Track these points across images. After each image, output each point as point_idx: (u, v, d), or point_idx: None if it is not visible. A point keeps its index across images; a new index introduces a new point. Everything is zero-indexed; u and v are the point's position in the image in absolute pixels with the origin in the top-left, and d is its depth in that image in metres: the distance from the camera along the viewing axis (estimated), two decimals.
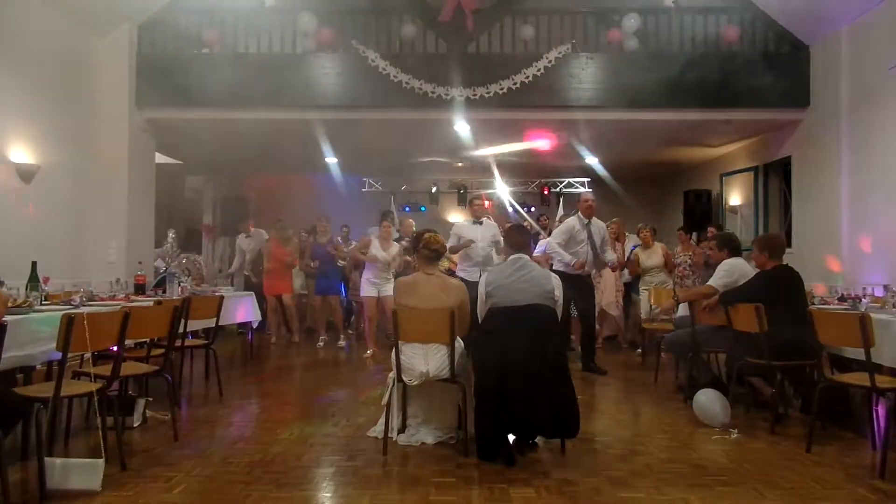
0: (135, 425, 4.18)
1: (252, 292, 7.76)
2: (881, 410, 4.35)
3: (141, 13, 7.82)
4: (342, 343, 8.26)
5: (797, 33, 7.74)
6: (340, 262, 8.72)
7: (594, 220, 6.61)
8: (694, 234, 9.21)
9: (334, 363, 7.28)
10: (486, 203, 7.68)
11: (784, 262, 4.72)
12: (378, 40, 7.97)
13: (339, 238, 9.21)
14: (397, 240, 8.07)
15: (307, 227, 9.61)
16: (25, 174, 6.50)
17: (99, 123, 7.63)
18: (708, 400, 4.38)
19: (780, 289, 4.47)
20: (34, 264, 4.35)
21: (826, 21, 7.25)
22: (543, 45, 7.90)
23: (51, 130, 6.89)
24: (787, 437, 4.08)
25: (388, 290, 7.31)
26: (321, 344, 8.26)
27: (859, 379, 3.67)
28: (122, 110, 7.72)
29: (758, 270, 4.73)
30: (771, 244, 4.73)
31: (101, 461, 3.04)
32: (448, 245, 7.16)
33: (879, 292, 5.21)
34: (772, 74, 7.67)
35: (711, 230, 8.11)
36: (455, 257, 7.88)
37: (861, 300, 4.76)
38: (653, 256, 7.62)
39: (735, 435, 4.12)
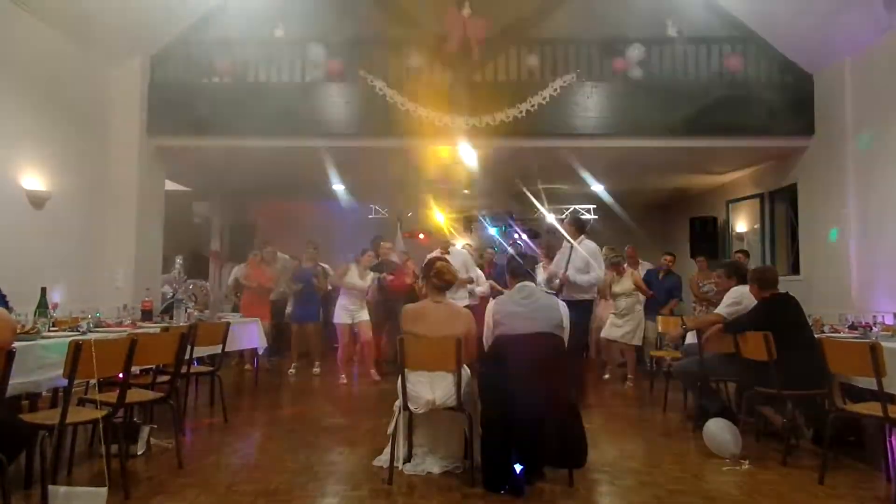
0: (139, 453, 4.14)
1: (258, 318, 7.73)
2: (895, 441, 4.28)
3: (154, 44, 7.98)
4: (317, 370, 8.11)
5: (801, 62, 7.81)
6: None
7: (583, 242, 6.10)
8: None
9: (337, 391, 7.23)
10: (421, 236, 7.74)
11: (781, 291, 4.71)
12: (386, 70, 8.09)
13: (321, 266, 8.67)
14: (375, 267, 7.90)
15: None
16: (36, 201, 6.58)
17: (110, 151, 7.74)
18: (718, 430, 4.32)
19: (779, 316, 4.47)
20: (44, 290, 4.37)
21: (829, 51, 7.32)
22: (549, 75, 8.01)
23: (62, 157, 6.98)
24: (799, 468, 4.01)
25: (362, 315, 7.46)
26: (292, 371, 8.14)
27: (872, 409, 3.62)
28: (133, 138, 7.83)
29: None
30: (759, 277, 4.75)
31: (105, 490, 3.01)
32: None
33: (890, 320, 5.16)
34: (776, 103, 7.74)
35: (741, 256, 7.89)
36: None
37: (872, 328, 4.71)
38: (624, 282, 7.56)
39: (746, 466, 4.05)
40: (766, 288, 4.65)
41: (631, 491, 3.59)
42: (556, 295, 5.97)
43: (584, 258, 5.97)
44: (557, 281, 6.12)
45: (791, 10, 7.27)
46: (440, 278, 4.02)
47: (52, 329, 4.26)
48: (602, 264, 6.18)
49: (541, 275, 7.03)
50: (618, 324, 7.40)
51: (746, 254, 8.12)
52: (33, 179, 6.53)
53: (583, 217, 6.49)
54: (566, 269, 6.02)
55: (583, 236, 6.16)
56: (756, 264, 7.68)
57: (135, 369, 3.96)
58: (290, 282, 8.52)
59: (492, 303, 3.99)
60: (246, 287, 8.42)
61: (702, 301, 8.08)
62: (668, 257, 8.59)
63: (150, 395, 4.09)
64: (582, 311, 5.97)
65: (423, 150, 8.31)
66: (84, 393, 3.88)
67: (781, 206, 9.03)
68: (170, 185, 9.17)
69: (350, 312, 7.46)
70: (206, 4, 8.01)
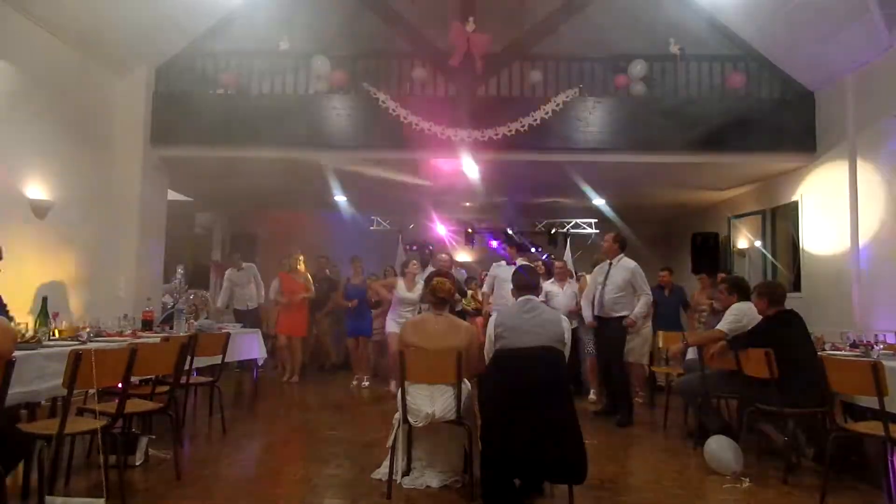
0: (137, 464, 4.13)
1: (258, 329, 7.73)
2: None
3: (159, 55, 8.04)
4: (366, 383, 8.18)
5: (802, 80, 7.85)
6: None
7: (622, 260, 6.18)
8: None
9: (338, 403, 7.21)
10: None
11: (787, 308, 4.70)
12: (389, 83, 8.14)
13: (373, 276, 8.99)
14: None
15: (326, 263, 9.81)
16: (39, 210, 6.60)
17: (114, 161, 7.78)
18: (719, 447, 4.31)
19: (785, 333, 4.46)
20: (45, 300, 4.38)
21: (831, 69, 7.36)
22: (551, 89, 8.05)
23: (66, 167, 7.01)
24: (800, 487, 3.99)
25: None
26: (366, 384, 8.15)
27: (873, 428, 3.61)
28: (137, 148, 7.87)
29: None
30: (769, 291, 4.74)
31: (102, 501, 3.01)
32: (485, 287, 7.38)
33: (892, 339, 5.14)
34: (777, 120, 7.77)
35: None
36: (480, 296, 7.97)
37: (873, 347, 4.70)
38: None
39: (747, 484, 4.03)
40: (775, 304, 4.64)
41: None
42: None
43: (623, 278, 6.09)
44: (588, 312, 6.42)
45: (793, 28, 7.32)
46: (434, 294, 4.10)
47: (52, 338, 4.26)
48: (646, 283, 6.21)
49: (554, 287, 7.27)
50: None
51: (728, 272, 8.11)
52: (36, 189, 6.56)
53: (623, 234, 6.53)
54: (604, 287, 6.16)
55: (622, 254, 6.25)
56: (757, 281, 7.67)
57: (134, 379, 3.96)
58: (343, 299, 8.63)
59: (494, 316, 3.99)
60: (282, 303, 8.52)
61: (694, 319, 8.11)
62: (664, 273, 8.31)
63: (149, 405, 4.08)
64: (620, 327, 6.13)
65: (425, 162, 8.35)
66: (83, 403, 3.88)
67: (783, 223, 9.03)
68: (172, 196, 9.20)
69: (400, 324, 7.38)
70: (212, 17, 8.07)
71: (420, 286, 7.35)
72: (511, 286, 6.56)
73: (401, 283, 7.38)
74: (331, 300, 9.37)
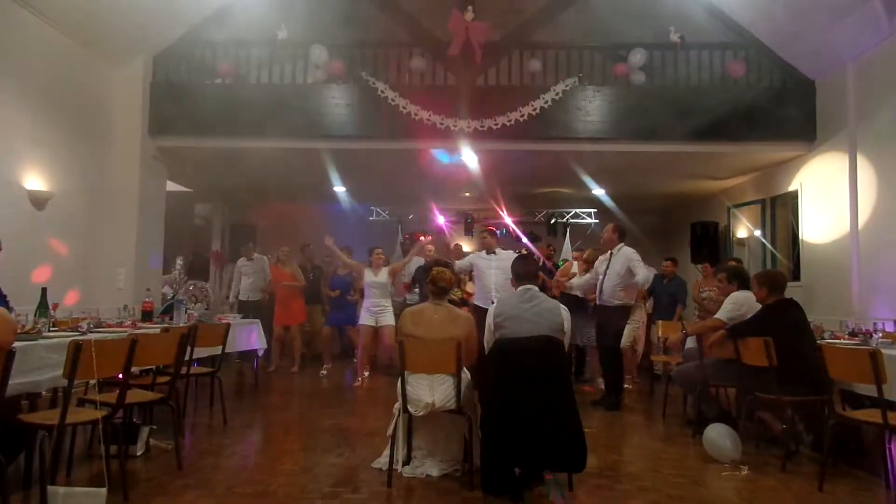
0: (138, 454, 4.15)
1: (258, 320, 7.75)
2: (894, 449, 4.27)
3: (157, 45, 7.99)
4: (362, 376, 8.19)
5: (803, 69, 7.81)
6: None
7: (622, 249, 6.33)
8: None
9: (339, 393, 7.22)
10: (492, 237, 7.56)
11: (787, 297, 4.71)
12: (388, 72, 8.10)
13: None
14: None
15: (313, 252, 9.86)
16: (38, 201, 6.58)
17: (112, 151, 7.74)
18: (718, 435, 4.32)
19: (784, 321, 4.47)
20: (44, 290, 4.37)
21: (832, 57, 7.32)
22: (551, 78, 8.01)
23: (64, 158, 6.98)
24: (798, 475, 4.01)
25: (386, 319, 7.36)
26: (324, 373, 8.21)
27: (872, 416, 3.62)
28: (135, 139, 7.83)
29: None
30: (770, 280, 4.74)
31: (104, 490, 3.01)
32: (458, 265, 7.37)
33: (890, 327, 5.15)
34: (778, 109, 7.73)
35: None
36: (468, 287, 7.99)
37: (872, 335, 4.71)
38: None
39: (745, 471, 4.05)
40: (775, 292, 4.65)
41: (630, 496, 3.59)
42: (587, 301, 6.67)
43: (623, 265, 6.21)
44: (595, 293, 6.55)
45: (793, 16, 7.27)
46: (434, 283, 4.10)
47: (52, 329, 4.26)
48: (642, 264, 6.24)
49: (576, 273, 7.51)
50: None
51: (739, 261, 8.06)
52: (35, 180, 6.54)
53: (621, 224, 6.70)
54: (605, 276, 6.33)
55: (621, 244, 6.38)
56: (757, 270, 7.67)
57: (135, 370, 3.96)
58: (327, 288, 8.84)
59: (493, 305, 3.99)
60: (277, 293, 8.71)
61: (701, 308, 8.10)
62: (667, 263, 8.47)
63: (149, 395, 4.09)
64: (618, 315, 6.34)
65: (424, 152, 8.32)
66: (84, 393, 3.89)
67: (783, 212, 9.02)
68: (171, 186, 9.17)
69: (374, 315, 7.42)
70: (209, 6, 8.01)
71: (384, 271, 7.53)
72: (490, 278, 6.68)
73: (368, 270, 7.57)
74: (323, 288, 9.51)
